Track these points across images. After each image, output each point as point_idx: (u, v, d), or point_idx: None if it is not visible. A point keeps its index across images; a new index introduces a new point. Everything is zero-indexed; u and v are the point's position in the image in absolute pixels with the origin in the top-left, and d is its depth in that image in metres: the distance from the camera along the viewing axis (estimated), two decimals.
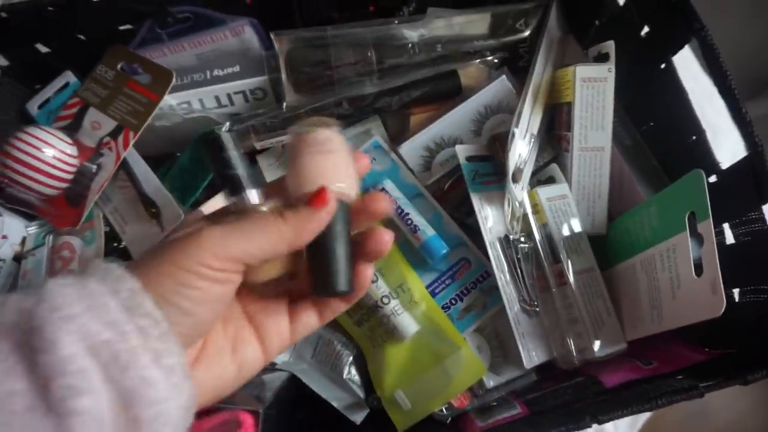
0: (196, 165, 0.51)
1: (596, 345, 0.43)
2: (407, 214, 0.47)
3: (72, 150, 0.48)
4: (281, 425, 0.44)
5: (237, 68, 0.52)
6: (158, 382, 0.22)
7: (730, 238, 0.42)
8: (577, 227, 0.46)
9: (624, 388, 0.41)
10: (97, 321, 0.22)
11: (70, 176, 0.48)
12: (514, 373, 0.46)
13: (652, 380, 0.40)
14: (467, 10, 0.52)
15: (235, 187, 0.28)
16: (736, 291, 0.41)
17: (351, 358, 0.47)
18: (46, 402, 0.20)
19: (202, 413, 0.39)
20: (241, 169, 0.28)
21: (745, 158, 0.39)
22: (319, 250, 0.28)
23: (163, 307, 0.23)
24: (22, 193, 0.47)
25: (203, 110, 0.52)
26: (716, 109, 0.42)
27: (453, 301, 0.47)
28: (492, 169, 0.48)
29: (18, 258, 0.50)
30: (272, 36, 0.50)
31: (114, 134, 0.48)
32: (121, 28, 0.51)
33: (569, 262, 0.44)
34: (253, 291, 0.30)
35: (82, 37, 0.51)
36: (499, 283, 0.45)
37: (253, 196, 0.28)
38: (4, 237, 0.50)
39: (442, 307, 0.47)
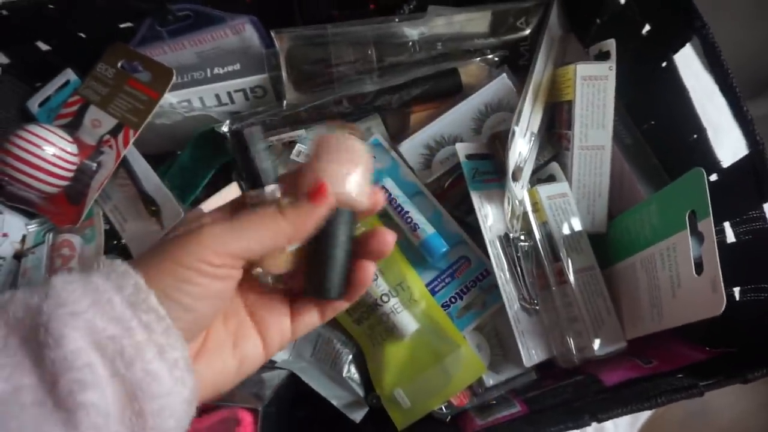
0: (196, 163, 0.51)
1: (596, 343, 0.43)
2: (407, 212, 0.47)
3: (72, 148, 0.48)
4: (281, 423, 0.44)
5: (237, 66, 0.52)
6: (162, 376, 0.23)
7: (731, 237, 0.42)
8: (578, 226, 0.46)
9: (624, 387, 0.41)
10: (103, 316, 0.22)
11: (70, 174, 0.48)
12: (513, 372, 0.46)
13: (652, 379, 0.40)
14: (468, 8, 0.52)
15: (258, 181, 0.28)
16: (736, 290, 0.41)
17: (350, 357, 0.47)
18: (54, 396, 0.21)
19: (201, 411, 0.39)
20: (266, 163, 0.29)
21: (745, 157, 0.39)
22: (317, 253, 0.29)
23: (164, 302, 0.23)
24: (22, 191, 0.47)
25: (203, 108, 0.52)
26: (717, 108, 0.42)
27: (453, 300, 0.47)
28: (492, 167, 0.48)
29: (18, 256, 0.50)
30: (272, 34, 0.50)
31: (114, 132, 0.48)
32: (122, 26, 0.51)
33: (569, 260, 0.44)
34: (261, 285, 0.30)
35: (82, 35, 0.51)
36: (499, 282, 0.44)
37: (274, 191, 0.29)
38: (5, 235, 0.50)
39: (442, 306, 0.47)
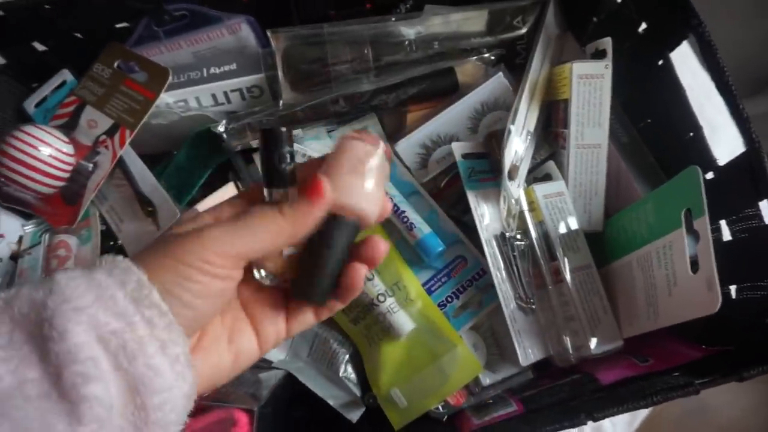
0: (192, 163, 0.51)
1: (592, 342, 0.43)
2: (403, 211, 0.47)
3: (68, 148, 0.48)
4: (277, 424, 0.44)
5: (234, 66, 0.52)
6: (164, 371, 0.23)
7: (727, 235, 0.42)
8: (574, 224, 0.46)
9: (620, 386, 0.41)
10: (106, 311, 0.23)
11: (66, 175, 0.48)
12: (510, 371, 0.46)
13: (648, 377, 0.40)
14: (464, 7, 0.52)
15: (280, 182, 0.28)
16: (732, 288, 0.41)
17: (347, 357, 0.47)
18: (58, 389, 0.21)
19: (197, 411, 0.39)
20: (291, 165, 0.28)
21: (742, 154, 0.39)
22: (312, 257, 0.29)
23: (166, 298, 0.24)
24: (18, 191, 0.47)
25: (200, 108, 0.52)
26: (715, 106, 0.42)
27: (449, 299, 0.47)
28: (488, 166, 0.48)
29: (15, 257, 0.50)
30: (269, 33, 0.50)
31: (110, 132, 0.48)
32: (118, 26, 0.51)
33: (566, 259, 0.44)
34: (258, 282, 0.31)
35: (79, 35, 0.51)
36: (495, 281, 0.44)
37: (293, 193, 0.29)
38: (1, 236, 0.50)
39: (438, 305, 0.47)
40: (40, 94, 0.52)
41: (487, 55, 0.52)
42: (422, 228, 0.46)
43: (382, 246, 0.30)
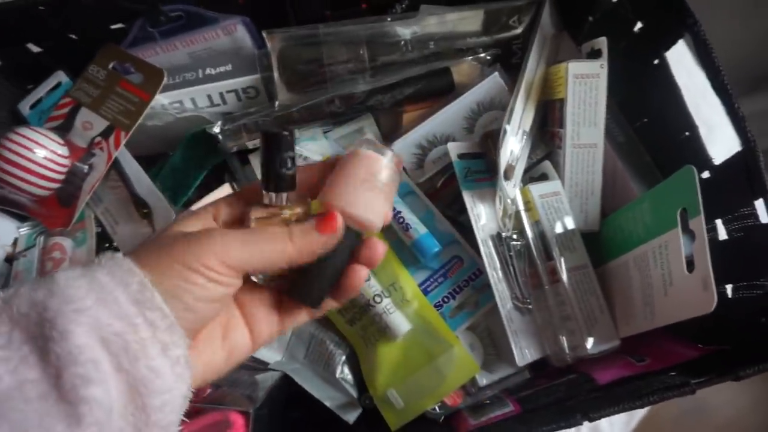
0: (188, 164, 0.51)
1: (589, 342, 0.43)
2: (399, 211, 0.47)
3: (63, 150, 0.48)
4: (273, 425, 0.44)
5: (229, 67, 0.52)
6: (165, 373, 0.23)
7: (723, 234, 0.42)
8: (570, 224, 0.45)
9: (616, 385, 0.41)
10: (108, 313, 0.23)
11: (61, 177, 0.48)
12: (507, 371, 0.46)
13: (645, 377, 0.40)
14: (460, 7, 0.52)
15: (280, 186, 0.28)
16: (729, 287, 0.41)
17: (344, 358, 0.47)
18: (58, 390, 0.21)
19: (192, 414, 0.39)
20: (293, 170, 0.29)
21: (737, 154, 0.39)
22: (312, 263, 0.29)
23: (167, 300, 0.24)
24: (13, 194, 0.47)
25: (195, 109, 0.52)
26: (710, 105, 0.42)
27: (445, 299, 0.47)
28: (484, 166, 0.47)
29: (9, 259, 0.50)
30: (264, 34, 0.50)
31: (105, 134, 0.48)
32: (113, 27, 0.50)
33: (562, 259, 0.44)
34: (253, 280, 0.31)
35: (73, 36, 0.50)
36: (492, 281, 0.44)
37: (292, 197, 0.29)
38: None
39: (435, 305, 0.47)
40: (35, 95, 0.52)
41: (482, 54, 0.52)
42: (418, 228, 0.46)
43: (380, 248, 0.30)
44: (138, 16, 0.49)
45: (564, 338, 0.43)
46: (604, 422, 0.64)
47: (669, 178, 0.40)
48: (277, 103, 0.51)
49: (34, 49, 0.51)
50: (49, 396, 0.21)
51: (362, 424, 0.46)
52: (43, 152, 0.46)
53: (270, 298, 0.31)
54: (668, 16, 0.42)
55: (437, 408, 0.45)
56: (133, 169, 0.49)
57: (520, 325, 0.44)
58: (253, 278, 0.31)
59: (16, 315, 0.22)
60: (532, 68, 0.49)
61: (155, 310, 0.23)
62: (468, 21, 0.52)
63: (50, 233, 0.49)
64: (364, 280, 0.30)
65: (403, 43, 0.52)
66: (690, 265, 0.37)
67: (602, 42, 0.46)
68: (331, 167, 0.30)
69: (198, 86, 0.51)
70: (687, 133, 0.45)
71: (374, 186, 0.29)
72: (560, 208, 0.46)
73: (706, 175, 0.43)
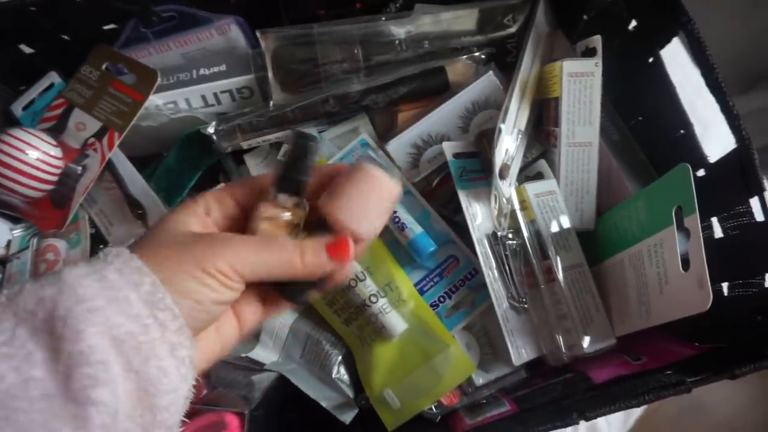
0: (182, 165, 0.51)
1: (585, 341, 0.43)
2: (395, 211, 0.47)
3: (56, 152, 0.47)
4: (269, 426, 0.44)
5: (223, 67, 0.52)
6: (172, 373, 0.23)
7: (718, 232, 0.42)
8: (566, 223, 0.45)
9: (613, 384, 0.41)
10: (120, 313, 0.23)
11: (54, 178, 0.48)
12: (503, 371, 0.46)
13: (641, 376, 0.40)
14: (454, 6, 0.51)
15: (295, 190, 0.29)
16: (724, 285, 0.41)
17: (340, 358, 0.47)
18: (67, 389, 0.21)
19: (188, 415, 0.38)
20: (309, 179, 0.29)
21: (732, 151, 0.39)
22: None
23: (178, 301, 0.24)
24: (6, 195, 0.47)
25: (190, 110, 0.52)
26: (705, 103, 0.42)
27: (441, 299, 0.47)
28: (479, 165, 0.47)
29: (3, 261, 0.50)
30: (258, 34, 0.50)
31: (99, 135, 0.48)
32: (106, 27, 0.50)
33: (558, 258, 0.44)
34: None
35: (66, 37, 0.50)
36: (488, 281, 0.44)
37: (301, 203, 0.30)
38: None
39: (431, 305, 0.47)
40: (27, 96, 0.52)
41: (477, 53, 0.52)
42: (414, 228, 0.46)
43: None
44: (130, 17, 0.49)
45: (560, 337, 0.43)
46: (601, 421, 0.64)
47: (664, 176, 0.40)
48: (271, 103, 0.51)
49: (27, 50, 0.51)
50: (55, 395, 0.21)
51: (358, 425, 0.46)
52: (36, 153, 0.46)
53: (257, 290, 0.31)
54: (663, 15, 0.42)
55: (434, 408, 0.45)
56: (127, 170, 0.49)
57: (516, 325, 0.44)
58: None
59: (21, 312, 0.22)
60: (527, 67, 0.49)
61: (166, 310, 0.24)
62: (462, 20, 0.52)
63: (44, 235, 0.49)
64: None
65: (397, 42, 0.51)
66: (685, 263, 0.37)
67: (597, 40, 0.46)
68: (329, 175, 0.31)
69: (192, 87, 0.51)
70: (682, 131, 0.45)
71: (384, 210, 0.30)
72: (556, 206, 0.46)
73: (701, 173, 0.43)
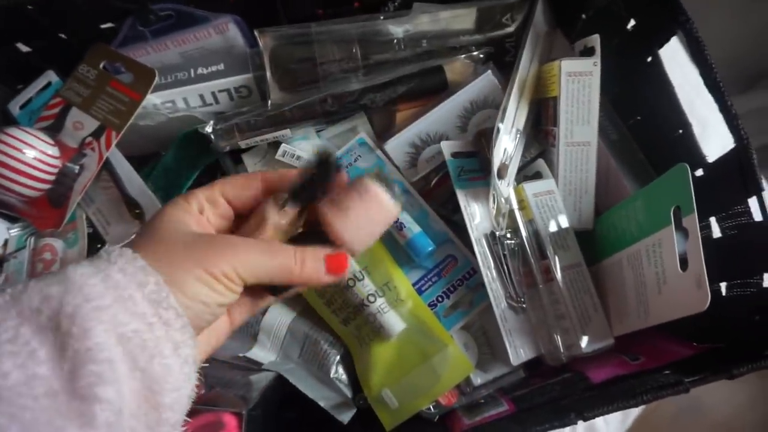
0: (180, 164, 0.51)
1: (583, 341, 0.43)
2: None
3: (53, 151, 0.47)
4: (267, 426, 0.44)
5: (221, 66, 0.51)
6: (175, 371, 0.24)
7: (717, 232, 0.42)
8: (564, 223, 0.45)
9: (611, 384, 0.41)
10: (125, 312, 0.23)
11: (52, 177, 0.47)
12: (501, 371, 0.46)
13: (639, 376, 0.40)
14: (453, 5, 0.51)
15: (304, 205, 0.31)
16: (722, 285, 0.41)
17: (338, 358, 0.47)
18: (72, 386, 0.21)
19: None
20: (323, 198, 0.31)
21: (731, 151, 0.39)
22: None
23: (182, 301, 0.25)
24: (2, 194, 0.47)
25: (188, 109, 0.52)
26: (704, 103, 0.42)
27: (439, 299, 0.47)
28: (478, 165, 0.47)
29: (0, 261, 0.50)
30: (256, 33, 0.50)
31: (96, 134, 0.48)
32: (103, 26, 0.50)
33: (556, 257, 0.44)
34: None
35: (63, 36, 0.50)
36: (486, 280, 0.44)
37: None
38: None
39: (429, 305, 0.46)
40: (24, 95, 0.52)
41: (476, 53, 0.52)
42: (412, 228, 0.46)
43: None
44: (128, 16, 0.49)
45: (558, 337, 0.43)
46: (599, 421, 0.64)
47: (662, 175, 0.40)
48: (269, 102, 0.50)
49: (24, 48, 0.50)
50: (60, 393, 0.21)
51: (356, 425, 0.45)
52: (33, 153, 0.46)
53: (248, 289, 0.32)
54: (661, 14, 0.42)
55: (432, 408, 0.45)
56: (124, 169, 0.49)
57: (515, 324, 0.44)
58: None
59: (26, 310, 0.22)
60: (526, 66, 0.49)
61: (170, 309, 0.24)
62: (461, 19, 0.52)
63: (41, 234, 0.49)
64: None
65: (395, 41, 0.51)
66: (683, 263, 0.37)
67: (595, 39, 0.46)
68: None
69: (190, 86, 0.50)
70: (680, 131, 0.45)
71: (380, 233, 0.32)
72: (554, 206, 0.46)
73: (699, 172, 0.43)
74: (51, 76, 0.52)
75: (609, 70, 0.45)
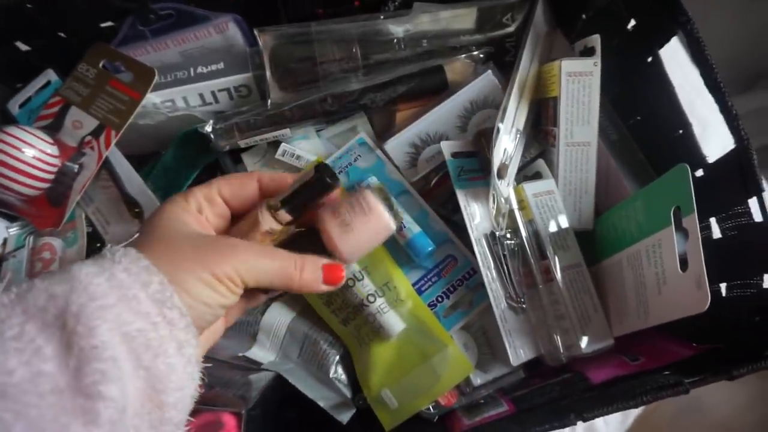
0: (179, 163, 0.51)
1: (583, 341, 0.42)
2: None
3: (53, 150, 0.47)
4: (266, 426, 0.44)
5: (221, 65, 0.51)
6: (179, 370, 0.24)
7: (717, 233, 0.42)
8: (564, 223, 0.45)
9: (610, 385, 0.41)
10: (130, 311, 0.23)
11: (51, 176, 0.47)
12: (501, 371, 0.46)
13: (639, 376, 0.40)
14: (453, 4, 0.51)
15: (297, 214, 0.31)
16: (722, 286, 0.41)
17: (337, 358, 0.47)
18: (77, 383, 0.21)
19: None
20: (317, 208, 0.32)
21: (731, 152, 0.39)
22: None
23: (186, 301, 0.25)
24: (2, 193, 0.46)
25: (187, 108, 0.52)
26: (705, 103, 0.42)
27: (439, 299, 0.47)
28: (478, 165, 0.47)
29: None
30: (256, 32, 0.50)
31: (96, 133, 0.48)
32: (103, 25, 0.50)
33: (556, 258, 0.44)
34: None
35: (63, 35, 0.50)
36: (486, 280, 0.44)
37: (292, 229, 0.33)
38: None
39: (429, 305, 0.46)
40: (24, 94, 0.52)
41: (476, 52, 0.52)
42: (412, 228, 0.46)
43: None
44: (128, 15, 0.49)
45: (558, 337, 0.43)
46: (599, 421, 0.64)
47: (662, 176, 0.40)
48: (269, 101, 0.50)
49: (23, 47, 0.50)
50: (65, 390, 0.21)
51: (356, 425, 0.45)
52: (32, 151, 0.46)
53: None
54: (661, 14, 0.42)
55: (431, 408, 0.45)
56: (124, 168, 0.49)
57: (514, 325, 0.44)
58: None
59: (31, 308, 0.22)
60: (526, 66, 0.48)
61: (174, 308, 0.24)
62: (461, 19, 0.52)
63: (40, 233, 0.49)
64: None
65: (396, 41, 0.51)
66: (683, 263, 0.37)
67: (595, 40, 0.46)
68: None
69: (190, 85, 0.50)
70: (680, 131, 0.44)
71: (378, 245, 0.33)
72: (554, 206, 0.45)
73: (699, 173, 0.43)
74: (50, 75, 0.52)
75: (609, 70, 0.45)
